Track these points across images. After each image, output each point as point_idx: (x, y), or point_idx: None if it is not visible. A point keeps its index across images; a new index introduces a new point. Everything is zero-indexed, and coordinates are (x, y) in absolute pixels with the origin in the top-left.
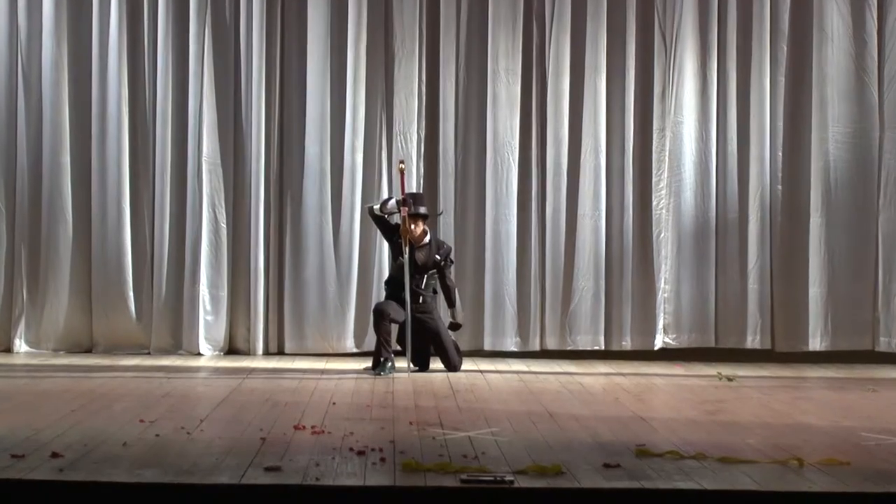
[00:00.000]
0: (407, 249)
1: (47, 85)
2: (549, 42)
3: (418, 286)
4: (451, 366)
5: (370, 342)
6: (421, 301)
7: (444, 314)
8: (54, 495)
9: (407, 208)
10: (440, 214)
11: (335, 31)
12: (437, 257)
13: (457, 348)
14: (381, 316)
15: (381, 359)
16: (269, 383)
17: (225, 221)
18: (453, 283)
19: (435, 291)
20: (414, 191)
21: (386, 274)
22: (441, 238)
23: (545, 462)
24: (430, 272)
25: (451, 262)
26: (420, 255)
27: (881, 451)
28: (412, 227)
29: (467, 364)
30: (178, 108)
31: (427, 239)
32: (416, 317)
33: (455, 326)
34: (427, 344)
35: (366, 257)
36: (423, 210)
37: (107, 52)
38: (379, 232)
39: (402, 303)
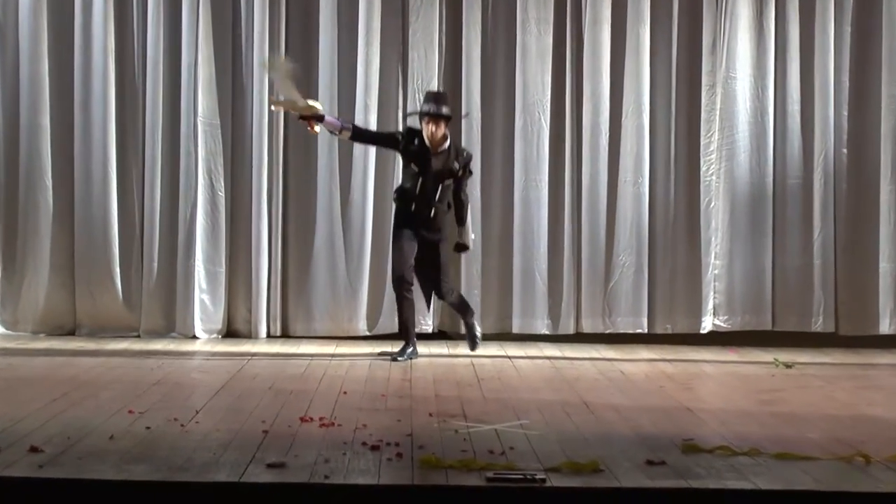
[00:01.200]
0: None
1: (25, 36)
2: None
3: (432, 196)
4: (441, 293)
5: (384, 324)
6: (432, 215)
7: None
8: (33, 493)
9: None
10: (466, 117)
11: None
12: (455, 165)
13: (464, 304)
14: (400, 284)
15: (404, 342)
16: (272, 370)
17: (223, 189)
18: (468, 198)
19: (449, 206)
20: (434, 89)
21: None
22: (464, 146)
23: (581, 458)
24: (446, 182)
25: (471, 172)
26: (436, 162)
27: None
28: (433, 128)
29: (493, 349)
30: (171, 61)
31: (446, 144)
32: (423, 236)
33: (462, 248)
34: (430, 274)
35: (380, 229)
36: (445, 111)
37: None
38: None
39: (414, 225)
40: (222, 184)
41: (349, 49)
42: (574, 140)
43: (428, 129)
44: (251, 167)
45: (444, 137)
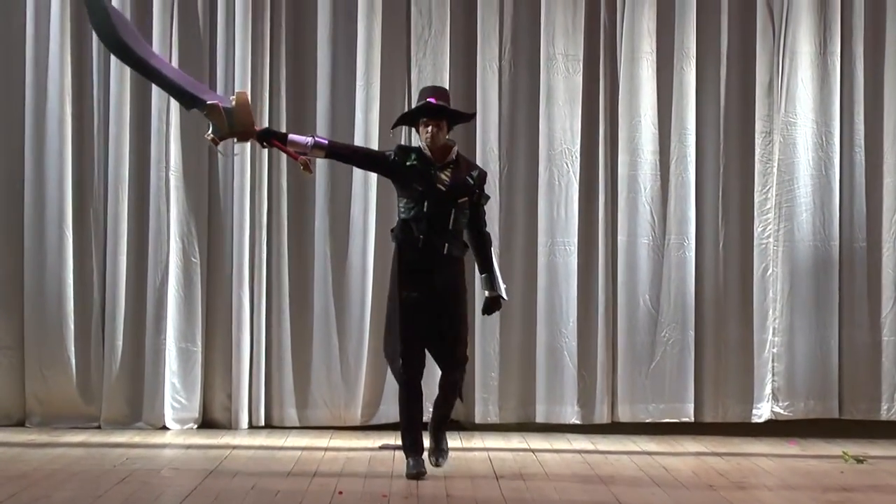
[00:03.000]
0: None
1: None
2: (621, 18)
3: (443, 224)
4: (452, 364)
5: (387, 412)
6: (446, 251)
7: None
8: None
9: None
10: (472, 117)
11: (341, 5)
12: (469, 180)
13: (456, 394)
14: (408, 366)
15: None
16: (255, 466)
17: (198, 255)
18: (489, 235)
19: (465, 245)
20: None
21: None
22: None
23: None
24: (460, 202)
25: (487, 197)
26: (443, 177)
27: None
28: (433, 130)
29: (514, 441)
30: (138, 105)
31: (453, 155)
32: (435, 286)
33: (494, 305)
34: (440, 336)
35: (382, 299)
36: (444, 105)
37: (46, 32)
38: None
39: (422, 270)
40: (197, 249)
41: (346, 90)
42: (608, 196)
43: (425, 132)
44: (231, 229)
45: (449, 147)
